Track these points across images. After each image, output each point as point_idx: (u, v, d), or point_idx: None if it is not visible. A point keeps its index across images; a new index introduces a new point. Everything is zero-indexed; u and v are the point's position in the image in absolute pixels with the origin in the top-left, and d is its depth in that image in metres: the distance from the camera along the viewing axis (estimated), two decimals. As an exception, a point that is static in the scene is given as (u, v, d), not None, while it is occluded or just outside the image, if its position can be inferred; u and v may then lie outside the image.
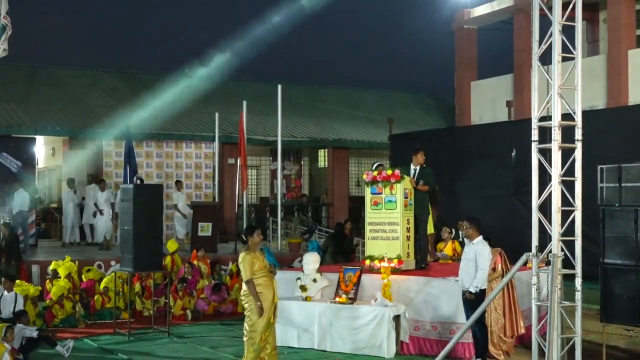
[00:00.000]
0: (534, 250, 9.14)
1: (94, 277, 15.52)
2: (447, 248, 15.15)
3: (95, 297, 14.87)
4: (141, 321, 14.40)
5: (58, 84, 28.46)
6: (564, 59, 8.96)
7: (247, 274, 9.59)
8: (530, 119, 9.33)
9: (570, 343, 9.02)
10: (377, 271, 11.96)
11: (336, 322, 11.55)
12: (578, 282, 9.03)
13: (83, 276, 15.58)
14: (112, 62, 65.96)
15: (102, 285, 15.10)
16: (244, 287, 9.79)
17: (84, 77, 30.16)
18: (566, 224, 9.00)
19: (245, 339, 9.76)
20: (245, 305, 9.80)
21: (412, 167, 12.88)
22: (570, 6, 9.06)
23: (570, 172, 9.01)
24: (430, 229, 13.50)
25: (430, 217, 13.32)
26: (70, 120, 24.21)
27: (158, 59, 67.51)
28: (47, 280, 15.44)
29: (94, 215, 20.91)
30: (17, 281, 13.78)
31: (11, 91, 26.26)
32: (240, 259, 9.70)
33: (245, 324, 9.79)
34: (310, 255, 12.59)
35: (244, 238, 9.92)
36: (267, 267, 9.81)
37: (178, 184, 22.02)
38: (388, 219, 12.43)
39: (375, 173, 12.53)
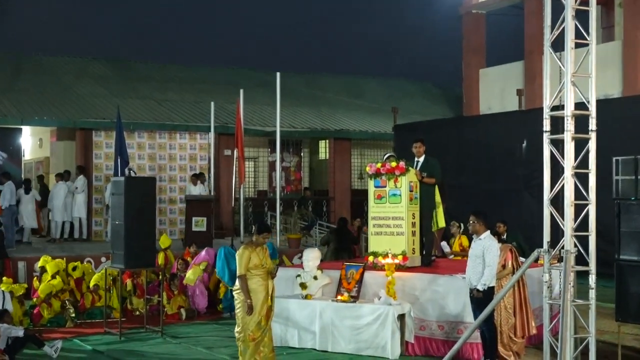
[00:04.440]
0: (545, 246, 9.14)
1: (79, 275, 15.50)
2: (455, 243, 15.17)
3: (85, 295, 14.88)
4: (133, 320, 14.43)
5: (45, 72, 28.43)
6: (577, 45, 8.94)
7: (241, 269, 9.72)
8: (542, 108, 9.32)
9: (584, 343, 9.02)
10: (381, 268, 11.97)
11: (338, 321, 11.56)
12: (592, 279, 9.02)
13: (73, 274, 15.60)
14: (102, 49, 65.87)
15: (92, 282, 15.12)
16: (237, 282, 9.87)
17: (72, 65, 30.13)
18: (579, 219, 8.99)
19: (236, 336, 9.86)
20: (236, 303, 9.87)
21: (415, 158, 12.89)
22: (584, -11, 9.04)
23: (583, 164, 9.00)
24: (442, 222, 13.52)
25: (441, 209, 13.34)
26: (58, 110, 24.18)
27: (150, 45, 67.45)
28: (35, 278, 15.46)
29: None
30: (4, 278, 13.79)
31: (-4, 80, 26.25)
32: (238, 252, 9.82)
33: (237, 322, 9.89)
34: (310, 251, 12.60)
35: (253, 230, 10.10)
36: (265, 267, 9.85)
37: (201, 176, 22.27)
38: (392, 214, 12.44)
39: (379, 165, 12.51)
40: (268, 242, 17.57)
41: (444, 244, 15.63)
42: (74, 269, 15.59)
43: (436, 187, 13.13)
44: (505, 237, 13.84)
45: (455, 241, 15.54)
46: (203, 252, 16.18)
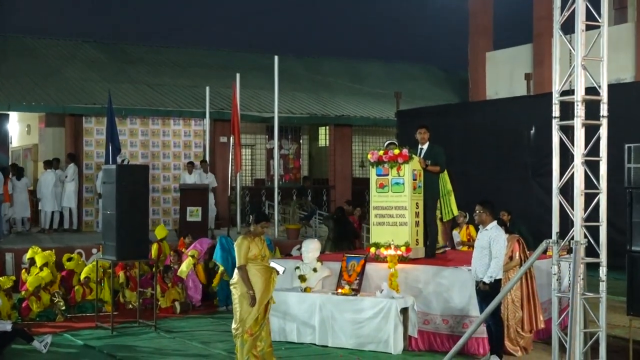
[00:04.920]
0: (554, 236, 9.14)
1: (74, 267, 15.52)
2: (462, 233, 15.16)
3: (76, 288, 14.90)
4: (125, 314, 14.46)
5: (33, 56, 28.38)
6: (589, 28, 8.92)
7: (240, 259, 9.70)
8: (551, 93, 9.30)
9: (594, 338, 9.04)
10: (383, 260, 11.98)
11: (338, 315, 11.58)
12: (602, 271, 9.03)
13: (65, 265, 15.62)
14: (93, 32, 65.73)
15: (83, 275, 15.13)
16: (235, 274, 9.86)
17: (61, 48, 30.07)
18: (590, 208, 8.99)
19: (233, 333, 9.85)
20: (233, 297, 9.86)
21: (419, 145, 12.88)
22: (596, -31, 9.01)
23: (594, 151, 8.99)
24: (455, 210, 13.55)
25: (453, 196, 13.36)
26: (46, 95, 24.15)
27: (143, 27, 67.30)
28: (23, 270, 15.47)
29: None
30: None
31: (-19, 64, 26.22)
32: (236, 243, 9.81)
33: (234, 317, 9.88)
34: (310, 242, 12.61)
35: (249, 220, 10.04)
36: (264, 258, 9.86)
37: (203, 164, 22.23)
38: (395, 203, 12.44)
39: (381, 153, 12.51)
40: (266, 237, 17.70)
41: (455, 233, 15.64)
42: (69, 260, 15.62)
43: (446, 173, 13.17)
44: (507, 226, 13.88)
45: (462, 231, 15.55)
46: (195, 243, 16.21)
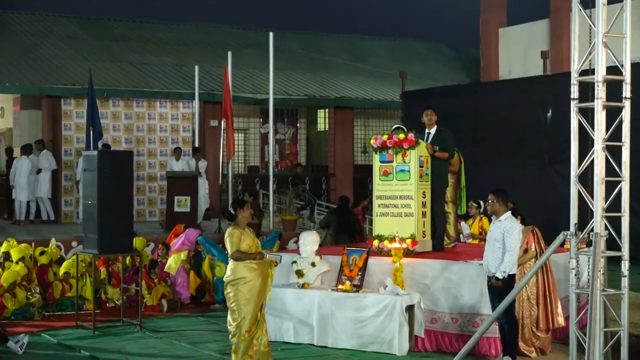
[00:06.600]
0: (572, 228, 9.17)
1: (47, 261, 15.51)
2: (473, 225, 15.13)
3: (54, 284, 14.92)
4: (108, 313, 14.49)
5: (6, 32, 28.28)
6: (610, 2, 8.93)
7: (233, 247, 9.71)
8: (569, 72, 9.31)
9: (615, 338, 9.07)
10: (387, 253, 12.00)
11: (338, 313, 11.61)
12: (625, 266, 9.06)
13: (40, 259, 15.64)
14: (71, 5, 65.52)
15: (62, 270, 15.16)
16: (228, 271, 9.89)
17: (37, 23, 29.99)
18: (611, 198, 9.01)
19: (230, 332, 9.87)
20: (230, 296, 9.87)
21: (426, 130, 12.87)
22: (618, -63, 9.01)
23: (616, 135, 9.01)
24: (465, 205, 13.66)
25: (464, 193, 13.41)
26: (21, 75, 24.12)
27: (126, 1, 67.14)
28: (-4, 265, 15.51)
29: None
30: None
31: (-50, 41, 26.19)
32: (227, 234, 9.84)
33: (229, 317, 9.89)
34: (308, 234, 12.61)
35: (232, 212, 10.00)
36: (258, 248, 9.90)
37: (196, 152, 22.24)
38: (400, 192, 12.43)
39: (385, 137, 12.50)
40: (274, 230, 17.80)
41: (464, 225, 15.64)
42: (42, 253, 15.60)
43: (463, 169, 13.20)
44: (523, 217, 13.91)
45: (474, 223, 15.54)
46: (182, 237, 16.09)
